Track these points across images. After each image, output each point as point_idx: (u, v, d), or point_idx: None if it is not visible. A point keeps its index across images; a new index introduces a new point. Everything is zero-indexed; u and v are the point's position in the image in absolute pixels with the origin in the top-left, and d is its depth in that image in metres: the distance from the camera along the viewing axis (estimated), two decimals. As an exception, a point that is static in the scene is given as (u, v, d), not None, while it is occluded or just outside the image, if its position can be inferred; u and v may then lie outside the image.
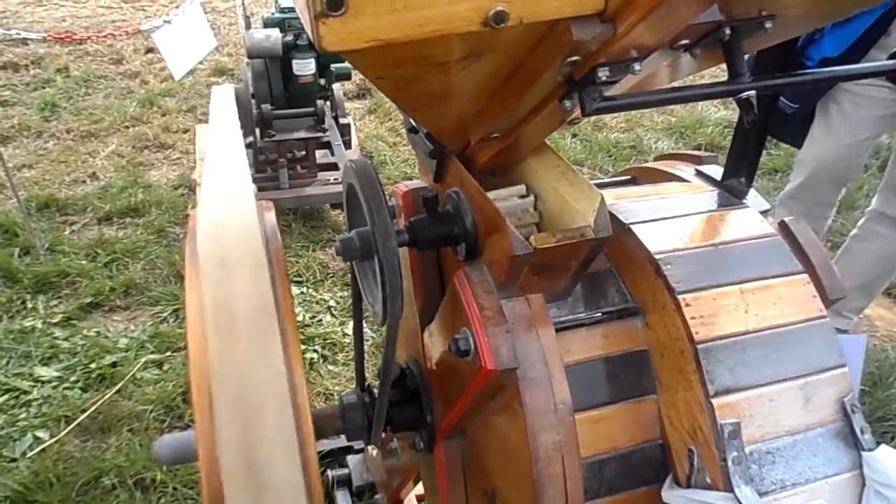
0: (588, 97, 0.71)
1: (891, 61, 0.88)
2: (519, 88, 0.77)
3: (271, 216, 1.18)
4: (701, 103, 4.66)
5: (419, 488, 1.80)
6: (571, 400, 0.95)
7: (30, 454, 2.29)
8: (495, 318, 0.94)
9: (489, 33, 0.60)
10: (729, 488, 0.92)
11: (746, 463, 0.93)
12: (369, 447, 2.02)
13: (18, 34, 3.99)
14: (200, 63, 5.34)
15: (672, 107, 4.63)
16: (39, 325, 2.84)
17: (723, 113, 4.72)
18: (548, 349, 0.96)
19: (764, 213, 1.17)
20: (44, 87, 5.05)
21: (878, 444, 0.97)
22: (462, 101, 0.82)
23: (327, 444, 2.26)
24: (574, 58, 0.67)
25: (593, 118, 3.70)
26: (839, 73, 0.99)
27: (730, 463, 0.92)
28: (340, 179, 3.34)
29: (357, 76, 4.59)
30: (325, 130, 3.44)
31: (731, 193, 1.20)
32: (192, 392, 0.93)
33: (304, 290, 3.08)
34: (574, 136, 4.36)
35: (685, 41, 0.75)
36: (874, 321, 3.01)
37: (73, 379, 2.60)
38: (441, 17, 0.57)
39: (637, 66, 0.69)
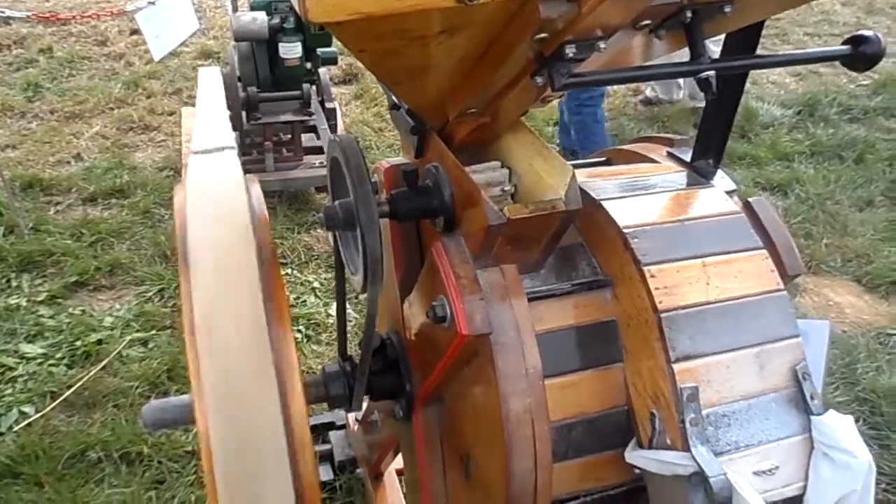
0: (557, 73, 0.76)
1: (845, 47, 0.93)
2: (493, 64, 0.81)
3: (257, 189, 1.22)
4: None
5: (398, 462, 1.85)
6: (542, 366, 1.01)
7: (16, 428, 2.32)
8: (471, 287, 0.99)
9: (464, 9, 0.64)
10: (686, 448, 0.97)
11: (703, 425, 0.99)
12: (352, 421, 2.08)
13: (3, 13, 3.96)
14: (185, 46, 5.34)
15: (658, 103, 4.71)
16: (24, 303, 2.86)
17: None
18: (520, 317, 1.01)
19: (730, 192, 1.22)
20: (27, 68, 5.02)
21: (826, 409, 1.03)
22: (440, 75, 0.86)
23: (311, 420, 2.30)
24: (542, 35, 0.72)
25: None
26: (797, 57, 1.04)
27: (688, 424, 0.98)
28: (325, 157, 3.39)
29: (343, 61, 4.60)
30: (311, 114, 3.46)
31: (699, 174, 1.26)
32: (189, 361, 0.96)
33: (289, 271, 3.11)
34: (556, 124, 4.41)
35: (648, 22, 0.80)
36: (844, 308, 3.09)
37: (58, 356, 2.62)
38: (418, -7, 0.61)
39: (602, 45, 0.73)
